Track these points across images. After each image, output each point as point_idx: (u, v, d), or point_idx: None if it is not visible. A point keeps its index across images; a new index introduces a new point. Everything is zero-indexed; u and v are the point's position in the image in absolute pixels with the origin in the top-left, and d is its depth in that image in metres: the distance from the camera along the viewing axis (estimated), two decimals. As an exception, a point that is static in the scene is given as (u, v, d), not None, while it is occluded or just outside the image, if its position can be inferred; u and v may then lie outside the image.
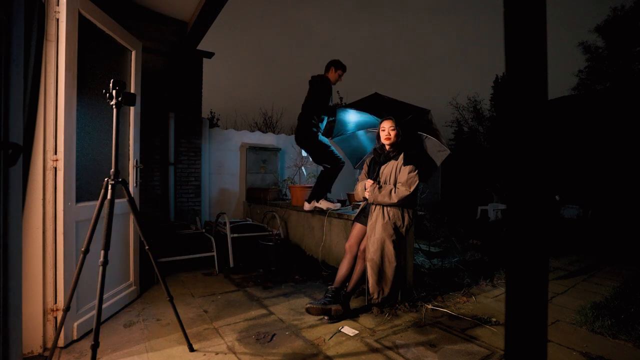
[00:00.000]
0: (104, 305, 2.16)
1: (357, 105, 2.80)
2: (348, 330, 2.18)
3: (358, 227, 2.60)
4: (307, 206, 3.61)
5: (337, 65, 3.50)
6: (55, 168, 1.92)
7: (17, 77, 1.14)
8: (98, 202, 1.71)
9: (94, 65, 2.24)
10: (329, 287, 2.46)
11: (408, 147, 2.58)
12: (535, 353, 0.69)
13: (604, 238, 5.34)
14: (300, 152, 5.70)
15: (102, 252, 1.60)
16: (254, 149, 5.68)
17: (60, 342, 1.91)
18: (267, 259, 3.69)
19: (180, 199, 5.01)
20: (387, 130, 2.53)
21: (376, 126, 2.83)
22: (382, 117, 2.62)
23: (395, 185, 2.47)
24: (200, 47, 4.57)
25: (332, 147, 3.49)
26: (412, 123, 2.68)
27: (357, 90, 8.94)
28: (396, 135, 2.53)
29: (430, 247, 3.49)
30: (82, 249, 1.67)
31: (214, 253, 3.46)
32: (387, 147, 2.58)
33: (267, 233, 4.12)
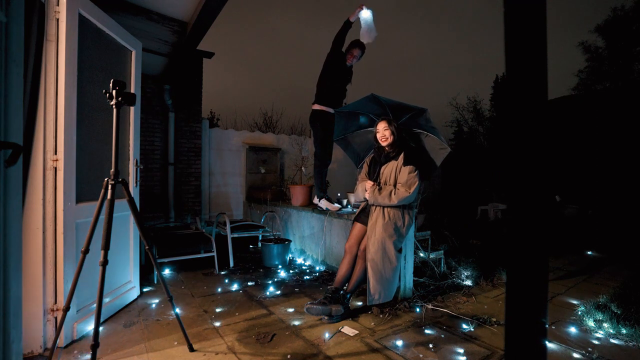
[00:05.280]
0: (104, 305, 2.16)
1: (355, 107, 2.79)
2: (348, 330, 2.18)
3: (358, 227, 2.60)
4: (315, 200, 3.71)
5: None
6: (55, 168, 1.92)
7: (17, 77, 1.14)
8: (98, 202, 1.71)
9: (94, 65, 2.24)
10: (329, 287, 2.46)
11: (408, 146, 2.58)
12: (535, 353, 0.69)
13: (603, 238, 5.34)
14: (300, 152, 5.70)
15: (102, 252, 1.60)
16: (254, 149, 5.68)
17: (60, 342, 1.91)
18: (267, 258, 3.69)
19: (180, 199, 5.01)
20: (381, 132, 2.54)
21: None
22: (378, 118, 2.62)
23: (395, 185, 2.47)
24: (200, 47, 4.57)
25: (326, 140, 3.50)
26: (411, 122, 2.68)
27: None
28: (392, 135, 2.53)
29: (430, 247, 3.49)
30: (82, 249, 1.67)
31: (214, 253, 3.46)
32: (387, 148, 2.58)
33: (267, 233, 4.12)
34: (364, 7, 3.33)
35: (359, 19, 3.38)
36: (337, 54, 3.49)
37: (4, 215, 1.07)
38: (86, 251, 1.68)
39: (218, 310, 2.48)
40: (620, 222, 6.58)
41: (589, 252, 4.51)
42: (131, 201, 1.83)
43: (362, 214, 2.63)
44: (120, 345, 1.96)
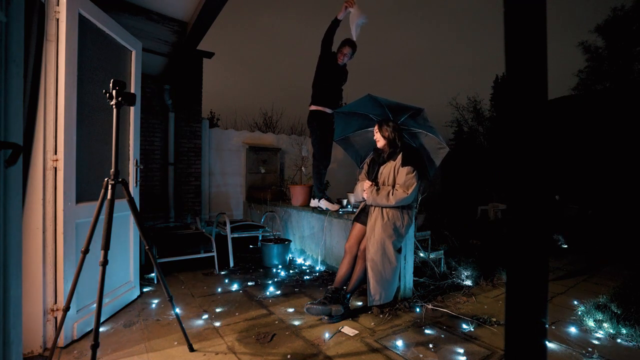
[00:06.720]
0: (104, 305, 2.16)
1: (354, 107, 2.79)
2: (348, 330, 2.18)
3: (358, 227, 2.60)
4: (313, 202, 3.73)
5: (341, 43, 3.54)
6: (55, 168, 1.92)
7: (17, 77, 1.14)
8: (98, 202, 1.71)
9: (94, 65, 2.24)
10: (329, 287, 2.46)
11: (406, 146, 2.58)
12: (535, 353, 0.69)
13: (603, 238, 5.34)
14: (300, 152, 5.70)
15: (102, 252, 1.60)
16: (254, 149, 5.68)
17: (60, 342, 1.91)
18: (267, 258, 3.69)
19: (180, 199, 5.01)
20: (375, 135, 2.59)
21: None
22: (377, 117, 2.63)
23: (393, 186, 2.47)
24: (200, 47, 4.57)
25: (321, 141, 3.53)
26: (409, 122, 2.68)
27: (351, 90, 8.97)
28: (387, 137, 2.53)
29: (430, 247, 3.49)
30: (82, 249, 1.67)
31: (214, 253, 3.46)
32: (385, 148, 2.58)
33: (267, 233, 4.12)
34: (353, 7, 3.23)
35: (347, 16, 3.33)
36: (327, 54, 3.46)
37: (4, 215, 1.07)
38: (86, 251, 1.68)
39: (218, 310, 2.48)
40: (620, 222, 6.58)
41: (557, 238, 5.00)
42: (131, 201, 1.83)
43: (362, 214, 2.63)
44: (120, 345, 1.95)
